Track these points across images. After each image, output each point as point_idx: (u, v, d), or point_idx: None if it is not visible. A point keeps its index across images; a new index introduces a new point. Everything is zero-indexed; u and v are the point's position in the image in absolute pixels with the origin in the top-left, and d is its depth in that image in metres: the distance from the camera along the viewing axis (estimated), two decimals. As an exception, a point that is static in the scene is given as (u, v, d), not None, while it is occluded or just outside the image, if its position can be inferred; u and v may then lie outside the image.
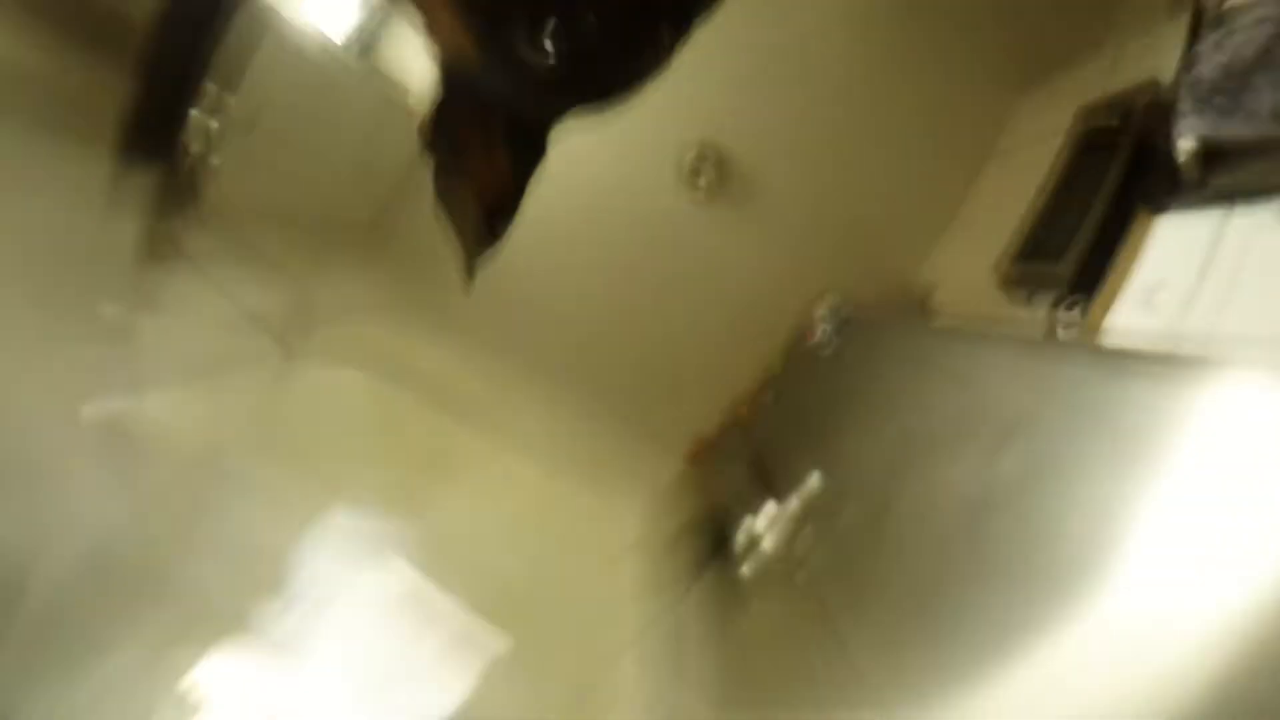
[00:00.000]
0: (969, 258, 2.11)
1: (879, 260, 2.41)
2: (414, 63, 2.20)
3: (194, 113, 1.27)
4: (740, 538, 1.00)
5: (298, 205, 2.13)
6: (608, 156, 2.38)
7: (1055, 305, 1.43)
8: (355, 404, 2.57)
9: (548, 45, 0.95)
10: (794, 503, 0.95)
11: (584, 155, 2.26)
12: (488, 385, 2.27)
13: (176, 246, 1.26)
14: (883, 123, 2.37)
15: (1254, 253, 0.77)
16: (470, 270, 1.32)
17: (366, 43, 2.17)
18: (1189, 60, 0.84)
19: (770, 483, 1.11)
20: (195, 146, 1.37)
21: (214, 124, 1.36)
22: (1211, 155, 0.90)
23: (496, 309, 2.43)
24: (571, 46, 0.97)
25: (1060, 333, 1.37)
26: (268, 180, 1.90)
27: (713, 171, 2.37)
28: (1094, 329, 1.24)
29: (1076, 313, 1.34)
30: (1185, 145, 0.91)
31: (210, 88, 1.31)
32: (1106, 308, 1.24)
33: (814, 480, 0.98)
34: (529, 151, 1.30)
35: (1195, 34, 0.83)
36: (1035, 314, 1.53)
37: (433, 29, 1.06)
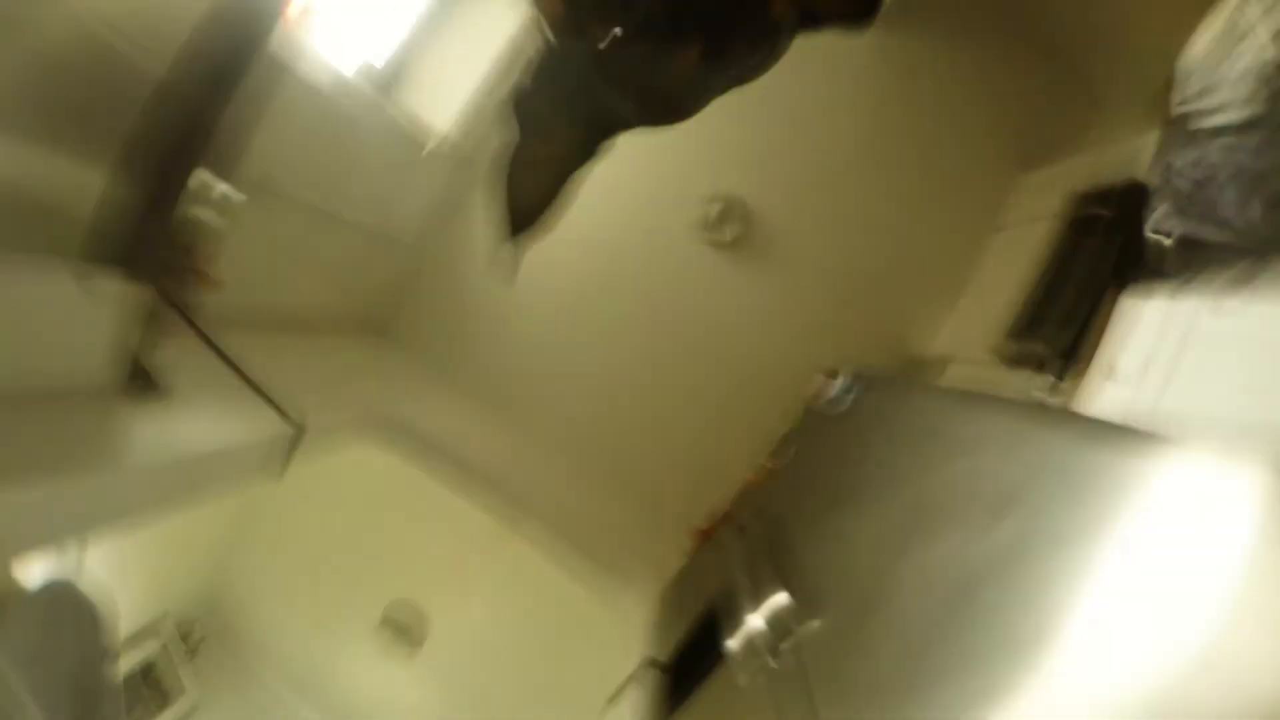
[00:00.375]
0: (975, 326, 2.20)
1: (892, 321, 2.49)
2: (435, 107, 2.24)
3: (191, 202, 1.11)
4: (734, 621, 1.02)
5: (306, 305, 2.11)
6: (634, 205, 2.49)
7: (1050, 378, 1.51)
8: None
9: (616, 31, 1.02)
10: (787, 595, 0.98)
11: (607, 205, 2.38)
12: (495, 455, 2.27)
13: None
14: (897, 192, 2.49)
15: (1198, 336, 0.86)
16: (516, 262, 1.45)
17: (386, 89, 2.16)
18: (1164, 168, 0.95)
19: (776, 558, 1.13)
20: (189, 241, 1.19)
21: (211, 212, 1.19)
22: (1185, 248, 1.00)
23: (506, 375, 2.51)
24: (630, 38, 1.04)
25: (1048, 402, 1.44)
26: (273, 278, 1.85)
27: (736, 226, 2.45)
28: (1076, 401, 1.31)
29: (1064, 385, 1.41)
30: (1160, 238, 1.00)
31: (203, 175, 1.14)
32: (1088, 382, 1.31)
33: (811, 569, 1.00)
34: (591, 152, 1.35)
35: (1165, 148, 0.94)
36: (1037, 384, 1.60)
37: None
